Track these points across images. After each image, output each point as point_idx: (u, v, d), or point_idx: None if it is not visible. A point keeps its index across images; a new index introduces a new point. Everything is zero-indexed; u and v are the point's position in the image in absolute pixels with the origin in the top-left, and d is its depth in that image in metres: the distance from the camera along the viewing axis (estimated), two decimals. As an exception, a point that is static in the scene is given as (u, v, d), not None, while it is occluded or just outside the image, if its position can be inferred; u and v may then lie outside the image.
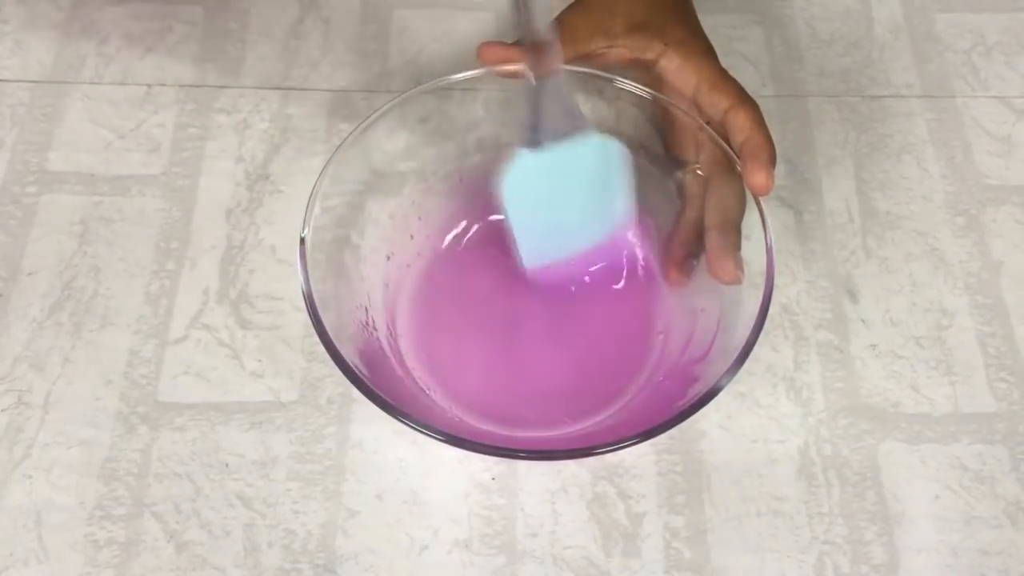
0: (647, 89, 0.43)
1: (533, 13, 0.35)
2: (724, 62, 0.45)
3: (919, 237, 0.49)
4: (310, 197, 0.39)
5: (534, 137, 0.38)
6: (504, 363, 0.43)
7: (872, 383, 0.44)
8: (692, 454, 0.42)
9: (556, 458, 0.41)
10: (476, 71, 0.43)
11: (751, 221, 0.40)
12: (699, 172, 0.43)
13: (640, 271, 0.45)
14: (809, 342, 0.45)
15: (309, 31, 0.55)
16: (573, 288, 0.44)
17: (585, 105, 0.45)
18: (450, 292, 0.45)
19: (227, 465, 0.42)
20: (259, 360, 0.44)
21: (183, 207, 0.48)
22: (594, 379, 0.43)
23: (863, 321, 0.46)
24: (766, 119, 0.42)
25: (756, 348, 0.36)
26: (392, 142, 0.44)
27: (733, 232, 0.41)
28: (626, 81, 0.43)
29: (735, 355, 0.36)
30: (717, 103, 0.42)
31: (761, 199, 0.40)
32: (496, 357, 0.44)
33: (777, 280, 0.39)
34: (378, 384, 0.36)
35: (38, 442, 0.42)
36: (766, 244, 0.39)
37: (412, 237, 0.45)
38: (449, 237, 0.46)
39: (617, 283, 0.44)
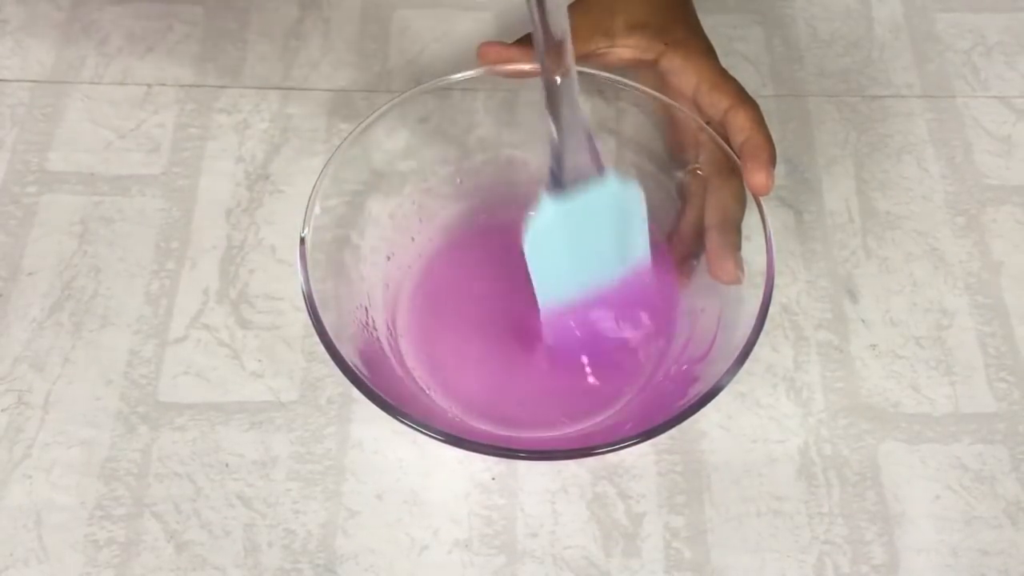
0: (647, 89, 0.43)
1: (547, 11, 0.34)
2: (724, 62, 0.44)
3: (919, 237, 0.49)
4: (310, 197, 0.39)
5: (558, 180, 0.38)
6: (504, 363, 0.43)
7: (872, 383, 0.44)
8: (692, 454, 0.42)
9: (556, 458, 0.41)
10: (476, 71, 0.43)
11: (751, 221, 0.40)
12: (699, 172, 0.43)
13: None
14: (809, 342, 0.45)
15: (309, 31, 0.55)
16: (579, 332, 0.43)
17: (585, 105, 0.45)
18: (450, 292, 0.45)
19: (227, 465, 0.42)
20: (259, 360, 0.44)
21: (183, 207, 0.48)
22: (594, 379, 0.43)
23: (863, 321, 0.46)
24: (766, 119, 0.42)
25: (756, 348, 0.36)
26: (392, 142, 0.44)
27: (733, 232, 0.41)
28: (626, 81, 0.43)
29: (735, 355, 0.36)
30: (717, 103, 0.42)
31: (761, 199, 0.40)
32: (496, 357, 0.43)
33: (777, 280, 0.39)
34: (378, 384, 0.36)
35: (38, 442, 0.42)
36: (766, 244, 0.39)
37: (413, 239, 0.45)
38: (449, 237, 0.46)
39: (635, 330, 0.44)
